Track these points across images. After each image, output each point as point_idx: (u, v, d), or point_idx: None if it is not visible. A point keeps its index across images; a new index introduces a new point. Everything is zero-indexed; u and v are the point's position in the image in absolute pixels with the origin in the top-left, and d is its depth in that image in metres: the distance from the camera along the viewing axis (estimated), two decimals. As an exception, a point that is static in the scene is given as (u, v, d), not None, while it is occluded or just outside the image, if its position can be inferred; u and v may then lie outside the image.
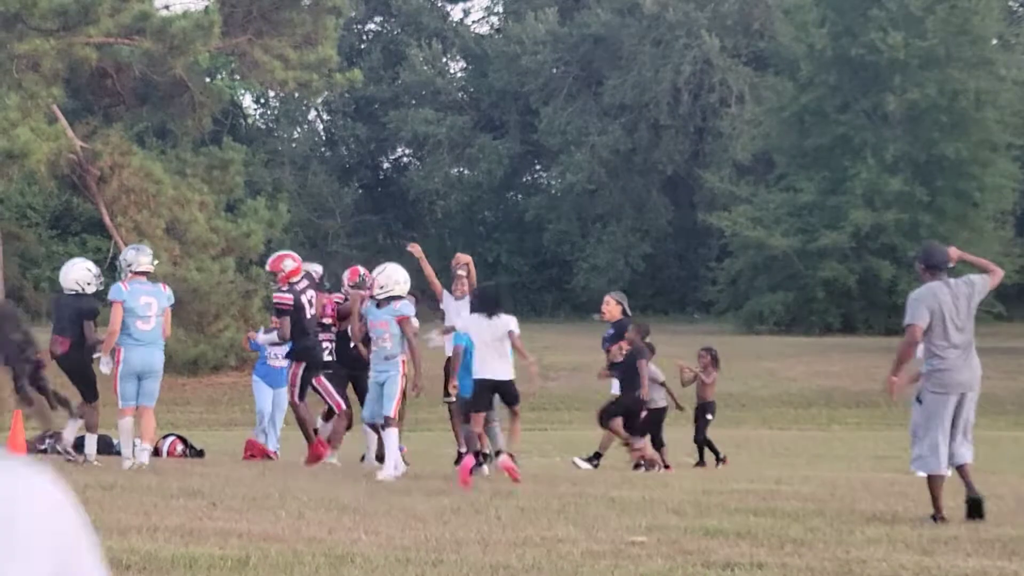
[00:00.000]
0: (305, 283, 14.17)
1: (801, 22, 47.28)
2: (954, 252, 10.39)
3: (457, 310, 14.16)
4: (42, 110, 28.35)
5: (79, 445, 13.70)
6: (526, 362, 12.96)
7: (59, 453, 13.55)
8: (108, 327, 13.16)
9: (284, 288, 14.00)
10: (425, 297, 16.20)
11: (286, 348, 14.40)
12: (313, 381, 14.17)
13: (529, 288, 56.50)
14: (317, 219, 56.91)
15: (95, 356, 13.50)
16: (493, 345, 12.68)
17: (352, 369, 14.34)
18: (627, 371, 14.29)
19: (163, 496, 10.55)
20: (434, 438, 20.08)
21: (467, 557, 7.83)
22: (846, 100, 46.71)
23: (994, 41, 47.91)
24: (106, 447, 14.51)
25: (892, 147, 45.17)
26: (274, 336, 14.16)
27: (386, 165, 64.51)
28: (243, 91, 55.26)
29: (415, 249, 15.27)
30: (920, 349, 12.10)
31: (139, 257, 13.35)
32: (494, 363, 12.70)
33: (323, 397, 14.49)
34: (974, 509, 9.76)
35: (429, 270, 15.01)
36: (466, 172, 60.02)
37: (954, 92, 44.56)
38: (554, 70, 57.88)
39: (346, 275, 14.95)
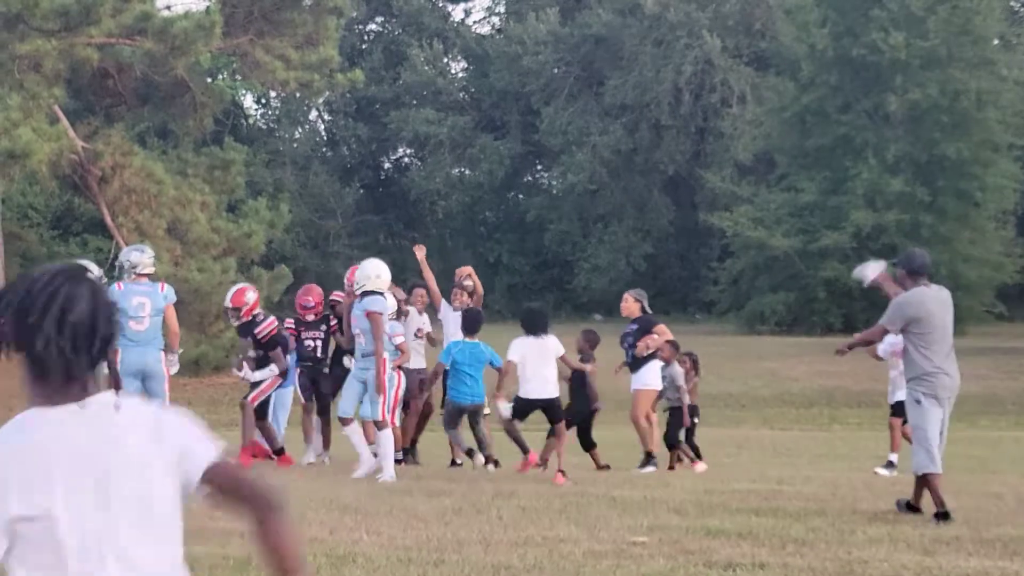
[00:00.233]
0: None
1: (802, 22, 47.25)
2: (882, 276, 10.68)
3: (455, 321, 14.17)
4: (43, 110, 28.32)
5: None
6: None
7: None
8: None
9: (259, 318, 13.94)
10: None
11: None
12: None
13: (530, 288, 56.47)
14: (318, 219, 56.89)
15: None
16: (540, 364, 13.18)
17: (345, 368, 14.34)
18: (576, 381, 14.38)
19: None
20: (434, 438, 20.07)
21: (469, 557, 7.84)
22: (847, 100, 46.67)
23: (996, 41, 47.87)
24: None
25: (893, 147, 45.14)
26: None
27: (387, 165, 64.51)
28: (244, 91, 55.31)
29: (419, 252, 15.28)
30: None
31: (142, 259, 13.35)
32: (541, 382, 13.22)
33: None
34: (912, 511, 9.97)
35: (430, 275, 14.99)
36: (467, 172, 59.99)
37: (955, 92, 44.52)
38: (555, 70, 57.87)
39: (347, 275, 14.96)
